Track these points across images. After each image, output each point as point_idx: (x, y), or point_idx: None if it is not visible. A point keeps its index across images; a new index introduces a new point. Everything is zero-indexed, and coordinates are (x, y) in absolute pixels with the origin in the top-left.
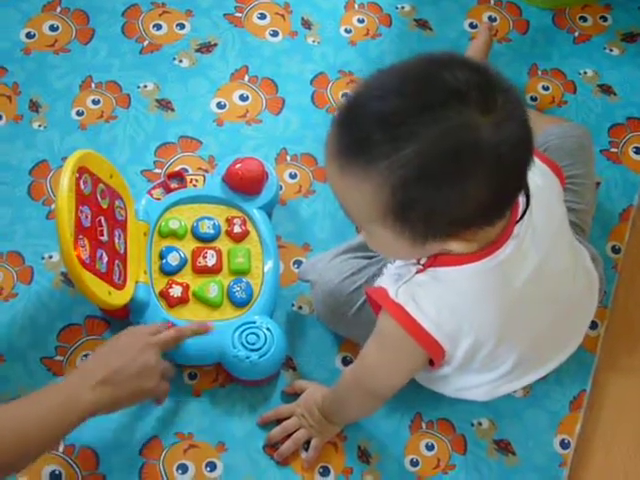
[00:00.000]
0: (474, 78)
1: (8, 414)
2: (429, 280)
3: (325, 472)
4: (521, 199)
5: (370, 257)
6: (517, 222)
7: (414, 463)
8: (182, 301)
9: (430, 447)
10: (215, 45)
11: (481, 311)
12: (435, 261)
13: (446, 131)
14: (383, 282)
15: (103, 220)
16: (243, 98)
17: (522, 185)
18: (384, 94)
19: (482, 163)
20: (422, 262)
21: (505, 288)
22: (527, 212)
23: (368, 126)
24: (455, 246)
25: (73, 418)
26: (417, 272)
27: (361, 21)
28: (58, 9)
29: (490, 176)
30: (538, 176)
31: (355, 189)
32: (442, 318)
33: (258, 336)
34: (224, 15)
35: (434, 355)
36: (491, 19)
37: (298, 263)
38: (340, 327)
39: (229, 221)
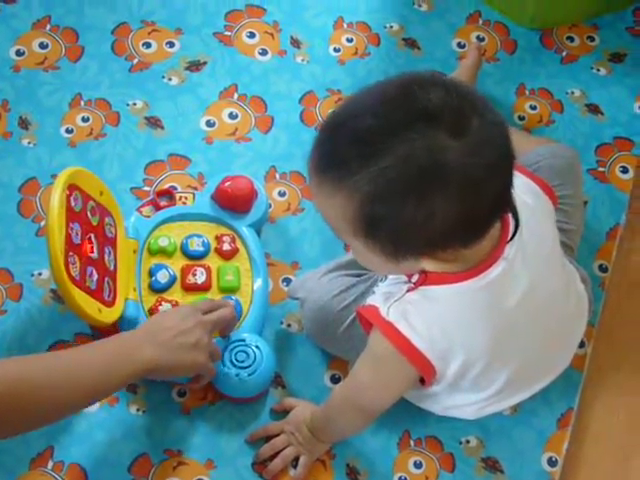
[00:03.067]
0: (449, 100)
1: (74, 356)
2: (420, 299)
3: None
4: (511, 220)
5: (359, 275)
6: (507, 242)
7: None
8: None
9: (418, 465)
10: (204, 63)
11: (472, 331)
12: (426, 279)
13: (411, 152)
14: (374, 300)
15: (93, 237)
16: (232, 116)
17: (500, 208)
18: (359, 113)
19: (448, 186)
20: (413, 280)
21: (496, 309)
22: (518, 233)
23: (341, 144)
24: (430, 265)
25: (131, 368)
26: (408, 290)
27: (350, 40)
28: (48, 27)
29: (458, 199)
30: (529, 196)
31: (328, 203)
32: (433, 337)
33: (247, 354)
34: (213, 34)
35: (425, 373)
36: (479, 39)
37: (287, 281)
38: (329, 345)
39: (218, 239)
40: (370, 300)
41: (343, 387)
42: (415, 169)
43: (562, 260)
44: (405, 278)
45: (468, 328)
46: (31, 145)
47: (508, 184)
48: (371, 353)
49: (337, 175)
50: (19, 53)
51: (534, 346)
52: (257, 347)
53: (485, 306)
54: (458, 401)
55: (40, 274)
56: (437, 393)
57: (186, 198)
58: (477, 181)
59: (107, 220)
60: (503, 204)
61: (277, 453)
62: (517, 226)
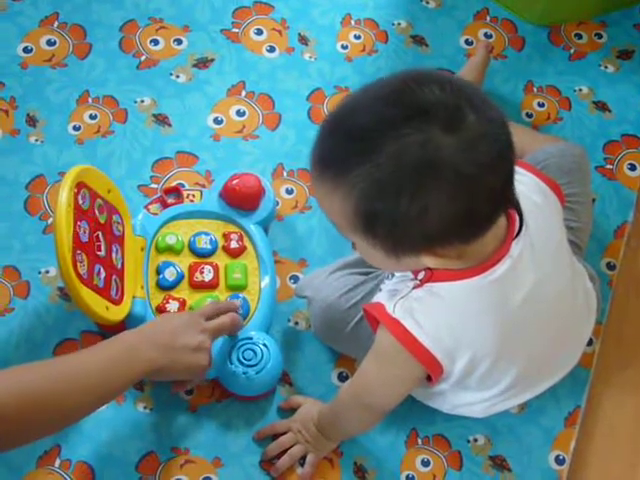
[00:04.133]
0: (444, 96)
1: (77, 362)
2: (426, 295)
3: None
4: (517, 217)
5: (367, 273)
6: (513, 240)
7: (410, 479)
8: None
9: (426, 463)
10: (212, 60)
11: (478, 328)
12: (432, 276)
13: (404, 148)
14: (380, 298)
15: (101, 235)
16: (240, 113)
17: (500, 206)
18: (356, 110)
19: (441, 181)
20: (419, 277)
21: (502, 306)
22: (524, 231)
23: (338, 141)
24: (431, 262)
25: (134, 369)
26: (414, 287)
27: (357, 37)
28: (55, 24)
29: (452, 195)
30: (537, 195)
31: (328, 199)
32: (439, 334)
33: (255, 352)
34: (221, 31)
35: (431, 371)
36: (487, 36)
37: (294, 279)
38: (337, 343)
39: (226, 236)
40: (377, 298)
41: (350, 385)
42: (408, 164)
43: (570, 258)
44: (411, 275)
45: (474, 325)
46: (38, 142)
47: (507, 181)
48: (378, 350)
49: (335, 172)
50: (27, 50)
51: (541, 344)
52: (264, 345)
53: (491, 303)
54: (466, 399)
55: (47, 272)
56: (445, 391)
57: (194, 196)
58: (472, 177)
59: (115, 218)
60: (503, 201)
61: (284, 451)
62: (522, 223)
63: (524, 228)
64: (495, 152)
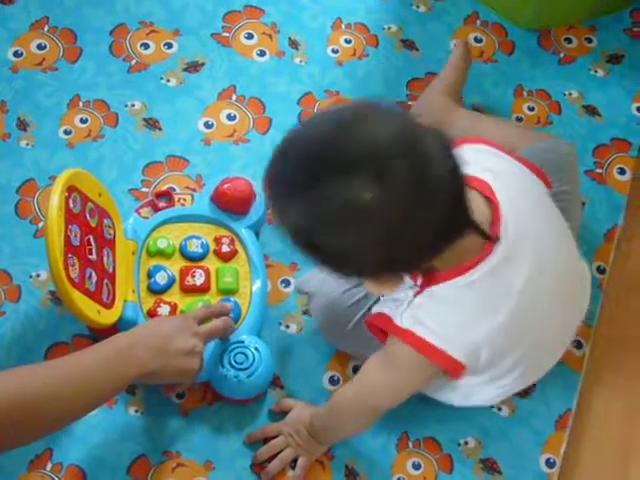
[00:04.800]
0: (380, 145)
1: (71, 364)
2: (427, 300)
3: None
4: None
5: None
6: (496, 240)
7: None
8: None
9: (417, 466)
10: (203, 64)
11: (485, 320)
12: (430, 281)
13: (332, 193)
14: (383, 308)
15: (92, 239)
16: (230, 117)
17: (443, 238)
18: (287, 153)
19: (366, 225)
20: (418, 283)
21: (505, 291)
22: (513, 215)
23: (285, 166)
24: (386, 281)
25: (126, 372)
26: (415, 295)
27: (348, 41)
28: (46, 28)
29: (380, 238)
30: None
31: (277, 218)
32: (449, 333)
33: (246, 355)
34: (212, 35)
35: (453, 370)
36: (477, 40)
37: (286, 282)
38: (338, 340)
39: (217, 240)
40: (377, 308)
41: (354, 388)
42: (335, 208)
43: (565, 231)
44: (410, 282)
45: (480, 318)
46: (29, 146)
47: (443, 219)
48: (393, 361)
49: (281, 196)
50: (17, 54)
51: (547, 323)
52: (256, 349)
53: (490, 295)
54: (478, 388)
55: (38, 275)
56: (460, 384)
57: (185, 199)
58: (396, 225)
59: (106, 222)
60: (449, 234)
61: (276, 454)
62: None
63: (511, 214)
64: (420, 198)
